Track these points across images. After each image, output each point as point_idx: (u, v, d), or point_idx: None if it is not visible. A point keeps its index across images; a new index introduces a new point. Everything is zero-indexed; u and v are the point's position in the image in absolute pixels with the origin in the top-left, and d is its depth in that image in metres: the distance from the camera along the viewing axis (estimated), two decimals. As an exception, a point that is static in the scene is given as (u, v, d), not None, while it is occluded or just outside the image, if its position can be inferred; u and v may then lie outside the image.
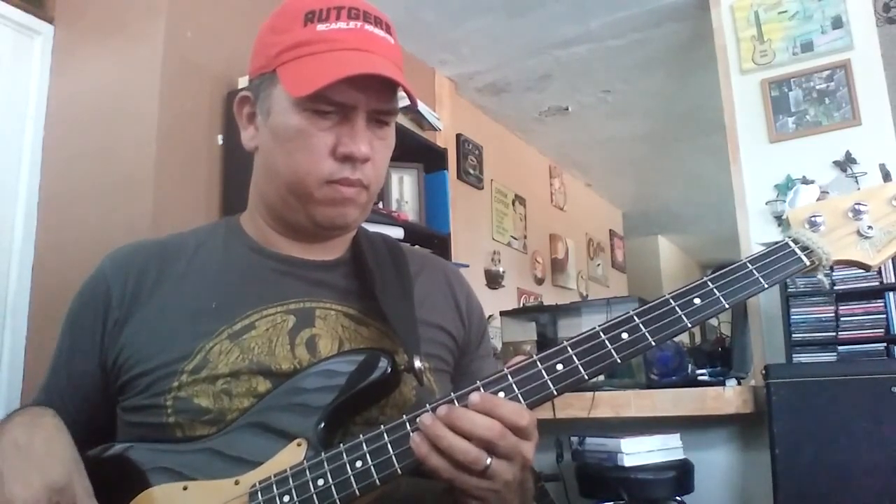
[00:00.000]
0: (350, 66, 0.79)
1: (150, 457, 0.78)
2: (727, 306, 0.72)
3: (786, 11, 2.83)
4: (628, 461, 2.13)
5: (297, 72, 0.82)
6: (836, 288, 2.35)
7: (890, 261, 2.25)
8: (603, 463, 2.19)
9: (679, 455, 2.23)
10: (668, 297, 0.74)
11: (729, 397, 2.23)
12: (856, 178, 2.57)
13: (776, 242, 0.77)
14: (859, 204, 0.75)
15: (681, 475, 2.17)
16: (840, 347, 2.33)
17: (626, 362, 0.71)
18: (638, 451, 2.15)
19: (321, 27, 0.82)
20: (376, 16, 0.85)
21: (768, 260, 0.75)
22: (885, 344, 2.29)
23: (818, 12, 2.78)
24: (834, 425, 1.94)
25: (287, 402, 0.78)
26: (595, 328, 0.73)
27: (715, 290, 0.73)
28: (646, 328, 0.72)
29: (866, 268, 0.74)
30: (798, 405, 2.00)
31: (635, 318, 0.72)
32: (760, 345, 2.58)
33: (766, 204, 2.69)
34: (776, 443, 1.99)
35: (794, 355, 2.35)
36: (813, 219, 0.75)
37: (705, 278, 0.74)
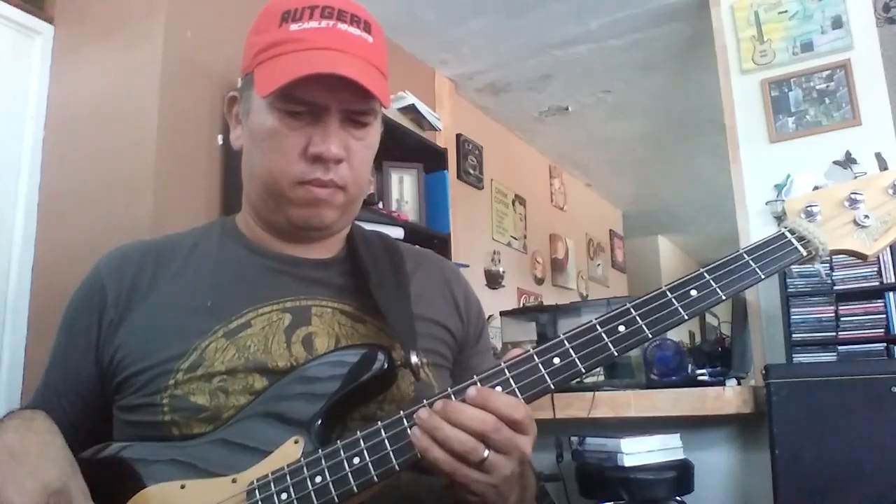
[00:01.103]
0: (313, 65, 0.79)
1: (156, 451, 0.78)
2: (724, 298, 0.71)
3: (786, 11, 2.83)
4: (628, 461, 2.12)
5: (266, 72, 0.82)
6: (836, 288, 2.35)
7: (890, 261, 2.28)
8: (603, 463, 2.18)
9: (679, 455, 2.22)
10: (664, 289, 0.73)
11: (729, 397, 2.22)
12: (856, 178, 2.57)
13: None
14: (856, 193, 0.74)
15: (681, 475, 2.16)
16: (840, 347, 2.33)
17: (624, 355, 0.71)
18: (638, 451, 2.14)
19: (294, 27, 0.82)
20: (353, 14, 0.84)
21: (765, 251, 0.75)
22: (885, 344, 2.29)
23: (818, 12, 2.78)
24: (834, 425, 1.93)
25: (295, 392, 0.78)
26: (592, 321, 0.73)
27: (711, 281, 0.73)
28: (643, 321, 0.72)
29: (863, 257, 0.73)
30: (798, 405, 1.99)
31: (632, 310, 0.72)
32: (760, 345, 2.58)
33: (766, 204, 2.69)
34: (776, 443, 1.98)
35: (794, 355, 2.35)
36: (809, 208, 0.75)
37: (702, 270, 0.74)
